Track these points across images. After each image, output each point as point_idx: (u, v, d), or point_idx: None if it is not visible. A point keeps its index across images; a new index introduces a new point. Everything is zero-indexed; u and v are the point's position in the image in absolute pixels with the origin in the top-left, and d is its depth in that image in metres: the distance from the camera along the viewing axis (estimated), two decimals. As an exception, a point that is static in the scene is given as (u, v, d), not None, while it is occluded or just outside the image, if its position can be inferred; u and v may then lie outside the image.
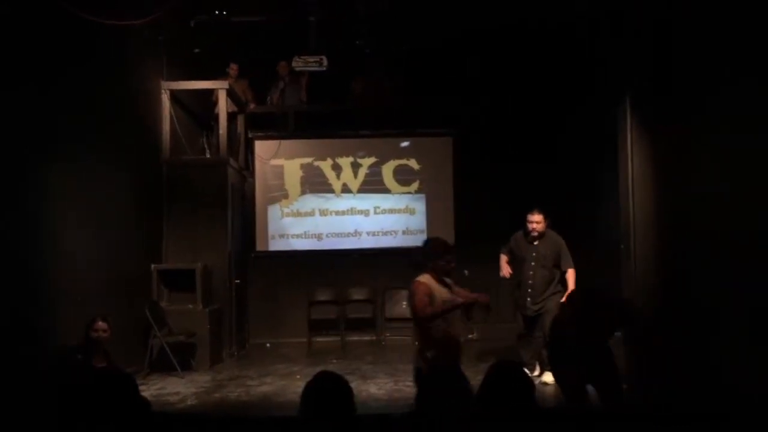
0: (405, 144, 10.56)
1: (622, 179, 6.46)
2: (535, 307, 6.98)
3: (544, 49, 9.25)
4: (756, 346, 4.16)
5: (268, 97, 10.63)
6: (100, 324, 5.54)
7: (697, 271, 5.03)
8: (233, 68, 9.91)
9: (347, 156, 10.47)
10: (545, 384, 6.64)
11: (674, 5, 5.48)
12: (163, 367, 7.65)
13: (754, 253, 4.20)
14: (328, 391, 2.77)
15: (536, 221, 6.95)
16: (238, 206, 9.56)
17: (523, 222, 7.09)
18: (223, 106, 9.09)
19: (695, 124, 5.08)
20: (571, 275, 6.90)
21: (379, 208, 10.46)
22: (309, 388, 2.79)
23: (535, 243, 7.01)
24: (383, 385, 7.01)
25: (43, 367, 5.34)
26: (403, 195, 10.47)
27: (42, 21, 5.93)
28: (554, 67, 9.36)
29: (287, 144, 10.44)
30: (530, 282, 7.01)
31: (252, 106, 10.36)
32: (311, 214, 10.43)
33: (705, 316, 4.86)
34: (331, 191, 10.44)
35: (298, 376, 7.49)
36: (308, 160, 10.45)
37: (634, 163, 6.20)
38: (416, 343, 4.70)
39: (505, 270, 7.26)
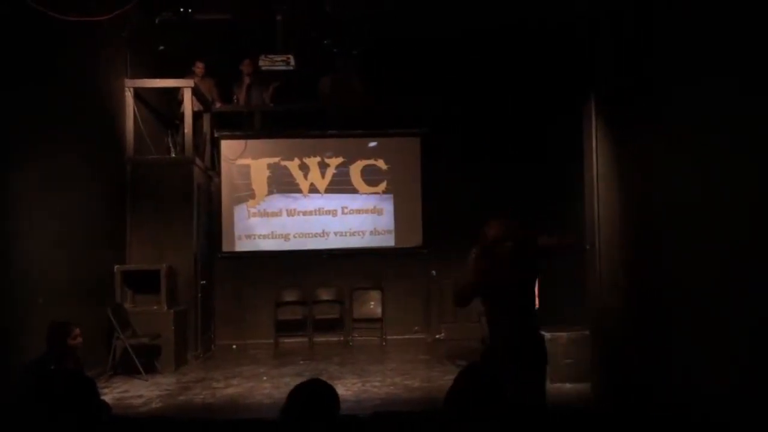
0: (373, 144, 10.55)
1: (588, 178, 6.52)
2: None
3: (520, 48, 9.22)
4: (721, 345, 4.22)
5: (234, 96, 10.53)
6: (78, 331, 5.44)
7: (663, 271, 5.09)
8: (199, 67, 9.80)
9: (315, 156, 10.42)
10: None
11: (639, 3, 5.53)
12: (126, 369, 7.52)
13: (719, 252, 4.26)
14: (316, 399, 2.71)
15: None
16: (204, 206, 9.44)
17: None
18: (188, 104, 8.98)
19: (659, 123, 5.13)
20: None
21: (346, 208, 10.43)
22: (298, 391, 2.72)
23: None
24: (351, 386, 6.98)
25: (8, 375, 5.18)
26: (370, 195, 10.45)
27: (2, 16, 5.78)
28: (527, 67, 9.36)
29: (254, 143, 10.36)
30: None
31: (218, 105, 10.25)
32: (278, 214, 10.35)
33: (670, 315, 4.92)
34: (299, 191, 10.38)
35: (264, 378, 7.44)
36: (275, 159, 10.38)
37: (599, 161, 6.26)
38: None
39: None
